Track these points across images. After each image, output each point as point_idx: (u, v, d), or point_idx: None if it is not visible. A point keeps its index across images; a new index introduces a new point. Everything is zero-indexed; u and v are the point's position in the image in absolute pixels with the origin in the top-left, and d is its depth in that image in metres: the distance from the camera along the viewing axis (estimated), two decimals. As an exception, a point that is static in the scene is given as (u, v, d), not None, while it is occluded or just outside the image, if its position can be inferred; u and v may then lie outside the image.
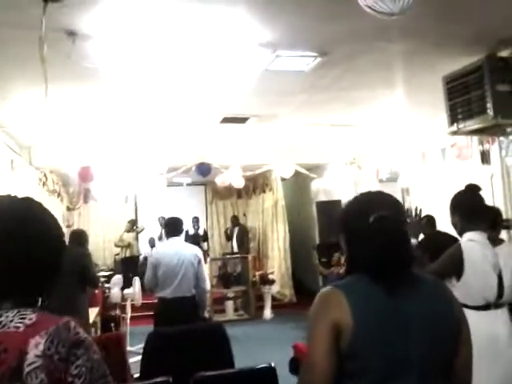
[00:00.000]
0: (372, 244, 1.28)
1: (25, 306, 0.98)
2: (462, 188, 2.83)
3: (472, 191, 2.76)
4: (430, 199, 6.21)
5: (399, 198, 7.70)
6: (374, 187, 7.58)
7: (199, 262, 4.30)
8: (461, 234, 2.69)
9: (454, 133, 4.03)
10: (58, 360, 0.92)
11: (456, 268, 2.51)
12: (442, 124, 4.77)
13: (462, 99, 3.79)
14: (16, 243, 1.00)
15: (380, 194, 1.44)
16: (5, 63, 3.62)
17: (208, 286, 4.46)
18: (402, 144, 6.74)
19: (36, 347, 0.91)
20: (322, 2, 2.88)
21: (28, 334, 0.92)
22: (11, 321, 0.94)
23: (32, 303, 1.00)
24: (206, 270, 4.49)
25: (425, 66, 4.02)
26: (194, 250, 4.41)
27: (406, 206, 7.41)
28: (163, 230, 4.66)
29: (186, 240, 9.55)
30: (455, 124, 3.91)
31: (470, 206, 2.68)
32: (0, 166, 5.21)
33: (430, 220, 4.78)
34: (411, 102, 5.24)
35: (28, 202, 1.09)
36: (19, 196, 1.10)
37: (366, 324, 1.22)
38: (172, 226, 4.44)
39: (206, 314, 5.23)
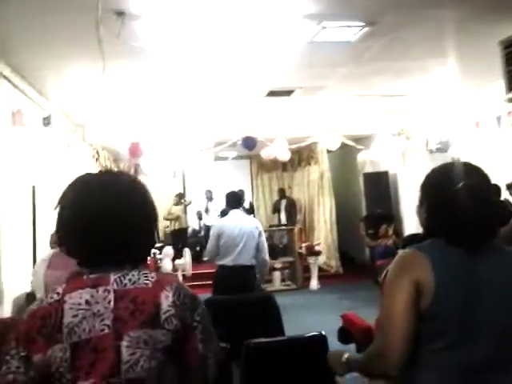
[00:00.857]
0: (459, 210, 1.28)
1: (137, 268, 1.16)
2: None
3: None
4: (484, 168, 5.99)
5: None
6: (423, 158, 7.39)
7: (260, 233, 4.45)
8: None
9: (512, 100, 3.86)
10: (185, 309, 1.12)
11: None
12: (498, 91, 4.57)
13: (521, 65, 3.61)
14: (137, 212, 1.18)
15: (467, 163, 1.43)
16: (60, 45, 3.78)
17: (268, 256, 4.58)
18: (453, 113, 6.50)
19: (166, 299, 1.10)
20: (369, -30, 2.80)
21: (157, 289, 1.11)
22: (139, 279, 1.12)
23: (142, 264, 1.19)
24: (265, 241, 4.62)
25: (478, 32, 3.83)
26: (254, 223, 4.59)
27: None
28: (225, 203, 4.82)
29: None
30: (513, 91, 3.74)
31: None
32: (57, 144, 5.47)
33: (495, 188, 4.62)
34: (463, 69, 5.01)
35: (133, 180, 1.27)
36: (120, 173, 1.30)
37: (447, 286, 1.23)
38: (232, 199, 4.65)
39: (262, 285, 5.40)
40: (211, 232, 4.56)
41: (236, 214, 4.52)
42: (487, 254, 1.30)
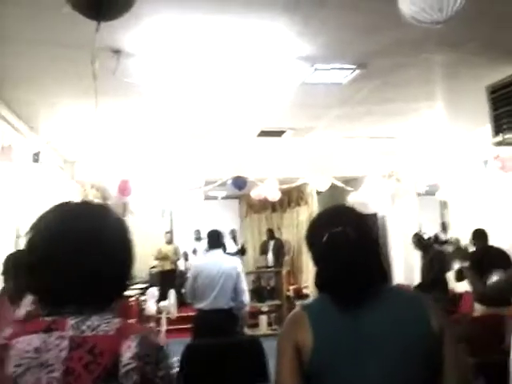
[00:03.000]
0: (326, 263, 1.27)
1: (103, 311, 1.02)
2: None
3: None
4: (470, 212, 6.03)
5: (437, 211, 7.53)
6: (412, 200, 7.44)
7: (238, 274, 4.24)
8: None
9: (499, 143, 3.93)
10: (149, 363, 0.97)
11: None
12: (485, 135, 4.66)
13: (508, 109, 3.70)
14: (101, 250, 1.03)
15: (340, 208, 1.40)
16: (53, 80, 3.79)
17: (248, 299, 4.36)
18: (441, 156, 6.61)
19: (128, 350, 0.95)
20: (361, 15, 2.89)
21: (119, 338, 0.96)
22: (99, 325, 0.98)
23: (107, 308, 1.04)
24: (245, 282, 4.41)
25: (466, 77, 3.94)
26: (233, 263, 4.36)
27: (445, 219, 7.24)
28: (206, 242, 4.65)
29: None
30: (500, 134, 3.81)
31: None
32: (46, 181, 5.39)
33: (479, 233, 4.71)
34: (452, 113, 5.14)
35: (107, 209, 1.14)
36: (96, 203, 1.16)
37: (326, 345, 1.21)
38: (213, 239, 4.44)
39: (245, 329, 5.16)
40: (189, 273, 4.40)
41: (215, 254, 4.33)
42: (373, 303, 1.24)
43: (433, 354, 1.21)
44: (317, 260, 1.33)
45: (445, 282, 5.62)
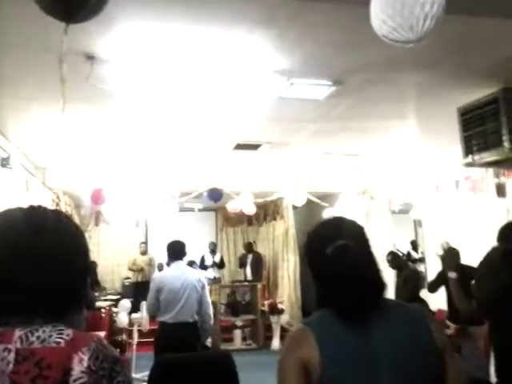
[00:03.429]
0: (331, 278, 1.24)
1: (55, 321, 0.97)
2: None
3: None
4: (443, 231, 6.11)
5: (411, 229, 7.61)
6: (386, 218, 7.50)
7: (203, 286, 4.24)
8: None
9: (469, 164, 3.99)
10: (102, 376, 0.92)
11: None
12: (456, 155, 4.73)
13: (478, 131, 3.77)
14: (53, 256, 0.98)
15: (339, 221, 1.38)
16: (24, 85, 3.70)
17: (211, 311, 4.35)
18: (415, 175, 6.70)
19: (80, 363, 0.90)
20: (338, 32, 2.91)
21: (70, 350, 0.91)
22: (50, 336, 0.93)
23: (60, 318, 0.99)
24: (209, 295, 4.42)
25: (439, 97, 4.01)
26: (197, 275, 4.37)
27: (419, 237, 7.32)
28: (167, 254, 4.58)
29: (201, 267, 9.48)
30: (470, 156, 3.88)
31: None
32: (16, 187, 5.26)
33: (451, 253, 4.74)
34: (425, 132, 5.23)
35: (61, 215, 1.08)
36: (48, 209, 1.09)
37: (334, 362, 1.18)
38: (175, 250, 4.38)
39: (208, 343, 5.08)
40: (151, 285, 4.29)
41: (179, 266, 4.30)
42: (379, 318, 1.23)
43: (437, 366, 1.21)
44: (318, 274, 1.30)
45: (420, 300, 5.66)
